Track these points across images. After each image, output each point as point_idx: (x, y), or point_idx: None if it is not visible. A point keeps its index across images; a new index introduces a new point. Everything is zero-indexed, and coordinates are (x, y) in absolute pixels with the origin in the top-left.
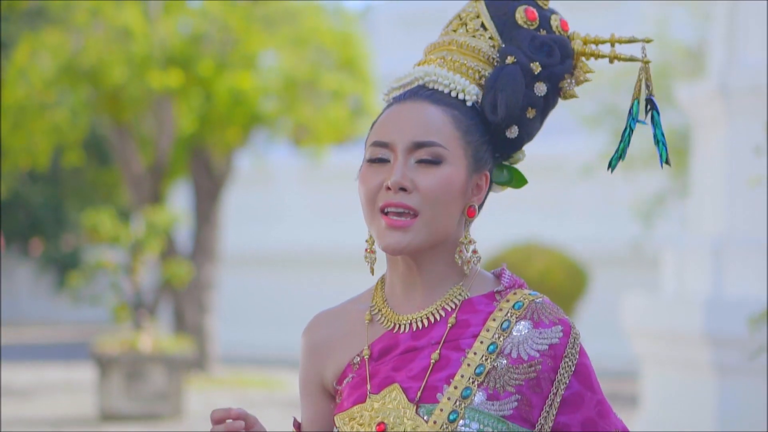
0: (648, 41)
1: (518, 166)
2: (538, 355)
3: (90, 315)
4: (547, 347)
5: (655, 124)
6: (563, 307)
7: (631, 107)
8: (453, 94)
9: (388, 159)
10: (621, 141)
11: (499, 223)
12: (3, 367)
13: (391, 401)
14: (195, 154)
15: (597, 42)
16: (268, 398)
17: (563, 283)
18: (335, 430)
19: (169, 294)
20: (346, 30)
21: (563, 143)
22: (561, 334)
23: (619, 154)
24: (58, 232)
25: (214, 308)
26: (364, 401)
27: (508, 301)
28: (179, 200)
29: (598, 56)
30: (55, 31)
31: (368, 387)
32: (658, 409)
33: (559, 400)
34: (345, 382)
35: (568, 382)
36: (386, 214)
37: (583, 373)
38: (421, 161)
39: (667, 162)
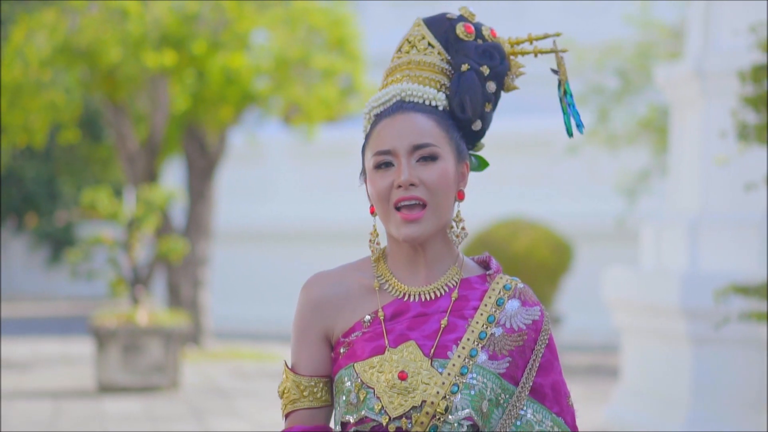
0: (558, 35)
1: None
2: (524, 327)
3: (84, 290)
4: (531, 322)
5: (567, 100)
6: (548, 281)
7: (561, 90)
8: (427, 102)
9: (392, 163)
10: (565, 115)
11: (487, 199)
12: (1, 340)
13: (409, 354)
14: (188, 131)
15: (519, 42)
16: (260, 370)
17: (548, 258)
18: (351, 375)
19: (164, 269)
20: (337, 10)
21: (549, 121)
22: (540, 313)
23: (568, 125)
24: (51, 207)
25: (208, 283)
26: (382, 353)
27: (498, 283)
28: (172, 177)
29: (524, 53)
30: (51, 11)
31: (386, 341)
32: (637, 377)
33: (537, 365)
34: (353, 335)
35: (543, 351)
36: (399, 209)
37: (552, 345)
38: (420, 159)
39: (569, 133)
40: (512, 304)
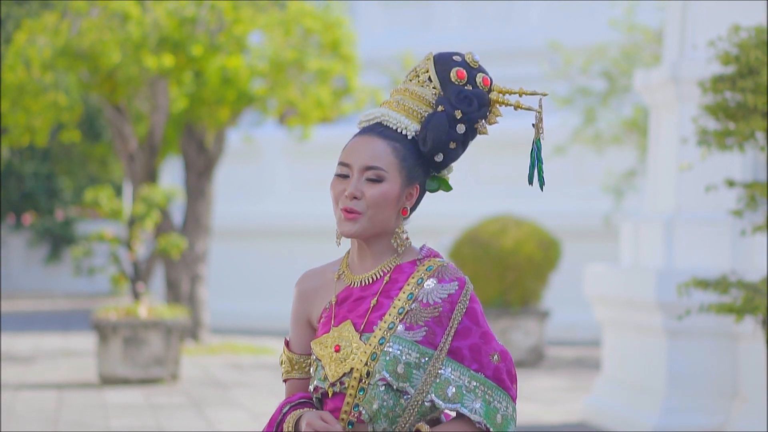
0: (544, 95)
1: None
2: (440, 301)
3: (83, 286)
4: (446, 296)
5: (536, 155)
6: (536, 277)
7: (534, 143)
8: (399, 130)
9: (348, 175)
10: (535, 166)
11: (477, 197)
12: (3, 336)
13: (346, 331)
14: (187, 131)
15: (509, 92)
16: (256, 362)
17: (536, 254)
18: (312, 351)
19: (163, 265)
20: (331, 13)
21: None
22: (457, 287)
23: (540, 174)
24: (50, 204)
25: (206, 279)
26: (329, 332)
27: (423, 265)
28: (171, 176)
29: (507, 104)
30: (52, 14)
31: (332, 323)
32: (616, 368)
33: (453, 332)
34: (321, 320)
35: (460, 319)
36: (344, 210)
37: (471, 313)
38: (368, 179)
39: (541, 182)
40: (430, 283)
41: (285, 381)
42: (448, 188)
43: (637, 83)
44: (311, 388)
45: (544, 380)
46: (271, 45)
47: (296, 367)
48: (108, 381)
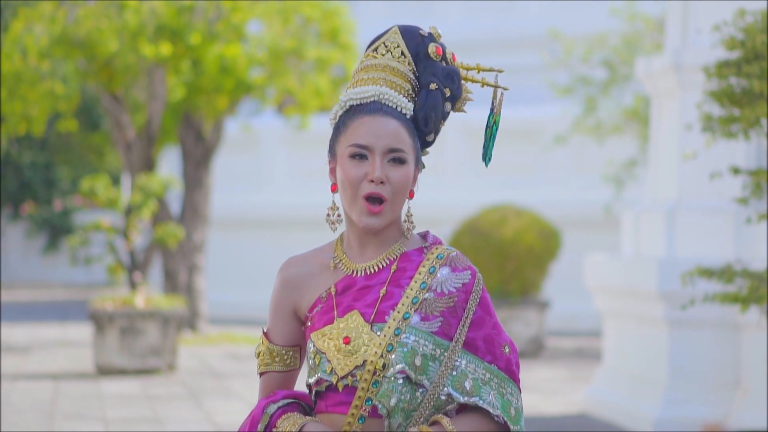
0: (500, 71)
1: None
2: (455, 290)
3: (81, 276)
4: (461, 285)
5: (492, 132)
6: (536, 267)
7: (489, 120)
8: (399, 109)
9: (367, 157)
10: (487, 142)
11: (477, 187)
12: (1, 324)
13: (353, 322)
14: (185, 120)
15: (468, 68)
16: (253, 352)
17: (536, 244)
18: (310, 344)
19: (161, 255)
20: (330, 1)
21: (538, 112)
22: (470, 276)
23: (489, 152)
24: (48, 194)
25: (204, 269)
26: (332, 323)
27: (432, 253)
28: (168, 165)
29: (473, 81)
30: (49, 3)
31: (335, 313)
32: (617, 359)
33: (469, 322)
34: (315, 310)
35: (474, 309)
36: (366, 200)
37: (484, 303)
38: (391, 161)
39: (487, 158)
40: (443, 272)
41: (261, 374)
42: (422, 166)
43: (639, 71)
44: (311, 381)
45: (544, 371)
46: (270, 33)
47: (277, 359)
48: (104, 371)
